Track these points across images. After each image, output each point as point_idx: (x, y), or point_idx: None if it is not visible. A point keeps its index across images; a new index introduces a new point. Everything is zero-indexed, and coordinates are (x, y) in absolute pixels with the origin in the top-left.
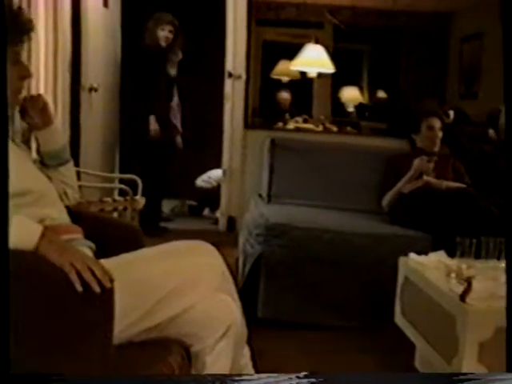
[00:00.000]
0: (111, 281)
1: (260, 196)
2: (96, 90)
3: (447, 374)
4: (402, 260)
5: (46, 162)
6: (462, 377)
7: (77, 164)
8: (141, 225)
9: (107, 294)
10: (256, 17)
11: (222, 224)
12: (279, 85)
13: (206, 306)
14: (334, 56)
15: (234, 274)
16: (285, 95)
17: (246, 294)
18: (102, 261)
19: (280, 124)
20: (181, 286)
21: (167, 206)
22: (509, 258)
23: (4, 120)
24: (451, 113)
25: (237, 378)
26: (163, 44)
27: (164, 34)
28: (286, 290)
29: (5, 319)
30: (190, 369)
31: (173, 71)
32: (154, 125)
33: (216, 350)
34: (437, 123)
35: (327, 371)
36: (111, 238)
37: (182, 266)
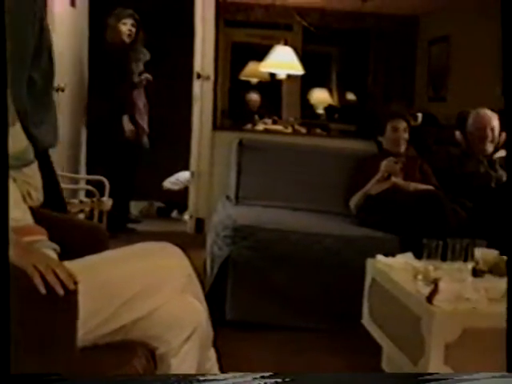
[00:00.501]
0: (75, 283)
1: (228, 198)
2: (63, 90)
3: (413, 373)
4: (369, 262)
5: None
6: (428, 377)
7: None
8: (108, 226)
9: (71, 297)
10: (225, 18)
11: (191, 226)
12: (248, 86)
13: (172, 308)
14: (303, 58)
15: (201, 276)
16: (254, 97)
17: (214, 296)
18: (66, 263)
19: (249, 125)
20: (146, 288)
21: (135, 207)
22: (509, 259)
23: (4, 120)
24: (419, 115)
25: (201, 378)
26: (127, 40)
27: (126, 28)
28: (254, 292)
29: (5, 319)
30: (155, 371)
31: (139, 70)
32: (128, 125)
33: (181, 353)
34: (401, 125)
35: (295, 372)
36: (76, 239)
37: (148, 267)
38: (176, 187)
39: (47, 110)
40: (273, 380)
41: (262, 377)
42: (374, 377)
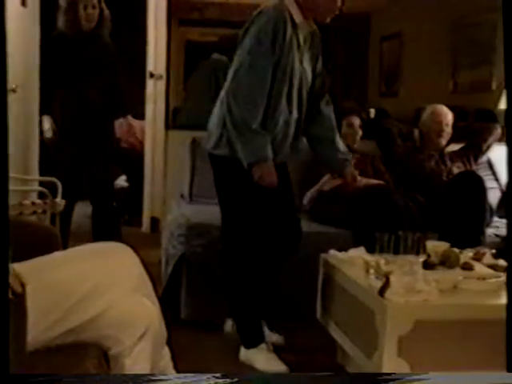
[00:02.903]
0: (22, 285)
1: (182, 196)
2: (14, 91)
3: (370, 374)
4: (322, 257)
5: None
6: (385, 377)
7: None
8: (61, 227)
9: (19, 299)
10: (179, 17)
11: (146, 225)
12: None
13: (123, 307)
14: None
15: (157, 275)
16: None
17: (169, 295)
18: (15, 265)
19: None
20: (96, 289)
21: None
22: (509, 260)
23: (4, 121)
24: (372, 111)
25: (153, 378)
26: (86, 25)
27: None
28: (209, 291)
29: (5, 320)
30: (108, 372)
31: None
32: (46, 124)
33: (135, 352)
34: (356, 121)
35: (250, 371)
36: (26, 241)
37: (98, 268)
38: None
39: None
40: (223, 380)
41: (214, 377)
42: (332, 377)
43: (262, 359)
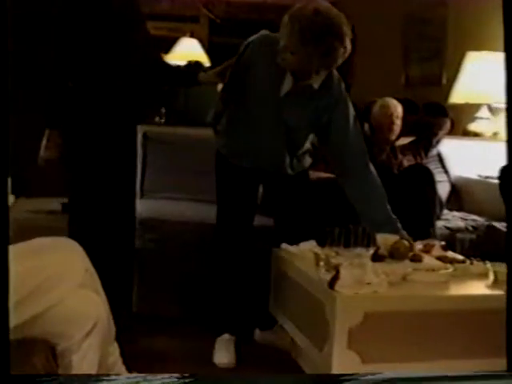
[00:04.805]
0: None
1: None
2: None
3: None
4: (274, 251)
5: None
6: (346, 377)
7: None
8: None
9: None
10: None
11: None
12: None
13: (70, 303)
14: (209, 50)
15: None
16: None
17: (121, 289)
18: None
19: (156, 118)
20: (43, 284)
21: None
22: (509, 260)
23: (4, 120)
24: None
25: (105, 378)
26: None
27: None
28: (161, 285)
29: (5, 320)
30: (56, 368)
31: None
32: None
33: (82, 348)
34: None
35: (204, 368)
36: None
37: (44, 263)
38: None
39: None
40: (177, 380)
41: (163, 377)
42: (290, 379)
43: (217, 350)
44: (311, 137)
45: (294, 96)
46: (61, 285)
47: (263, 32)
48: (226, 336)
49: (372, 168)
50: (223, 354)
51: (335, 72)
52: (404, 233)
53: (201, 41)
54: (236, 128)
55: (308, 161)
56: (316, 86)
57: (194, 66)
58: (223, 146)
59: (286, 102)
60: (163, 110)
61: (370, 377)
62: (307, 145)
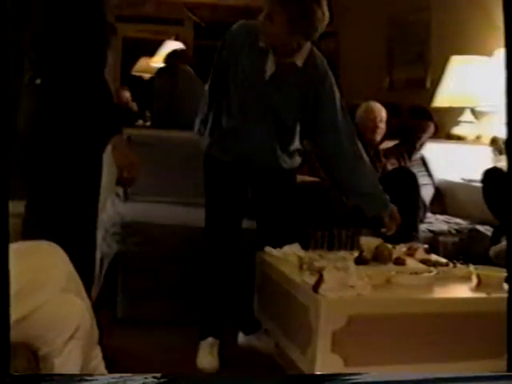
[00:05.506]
0: None
1: (117, 194)
2: None
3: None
4: (258, 254)
5: None
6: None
7: None
8: None
9: None
10: (115, 13)
11: None
12: (141, 82)
13: (53, 307)
14: (194, 52)
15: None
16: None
17: (105, 294)
18: None
19: (140, 121)
20: (25, 288)
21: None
22: (509, 259)
23: (4, 121)
24: None
25: (88, 378)
26: None
27: None
28: (145, 289)
29: (5, 319)
30: (38, 372)
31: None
32: None
33: (65, 352)
34: None
35: (190, 370)
36: None
37: (26, 267)
38: None
39: None
40: (156, 380)
41: (145, 378)
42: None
43: (200, 354)
44: (298, 128)
45: (280, 78)
46: (43, 289)
47: (240, 21)
48: (210, 340)
49: (360, 146)
50: (207, 358)
51: (318, 51)
52: (393, 207)
53: (186, 44)
54: (224, 122)
55: (298, 160)
56: (299, 63)
57: (173, 54)
58: (211, 146)
59: (272, 85)
60: (148, 114)
61: (352, 377)
62: (297, 143)
